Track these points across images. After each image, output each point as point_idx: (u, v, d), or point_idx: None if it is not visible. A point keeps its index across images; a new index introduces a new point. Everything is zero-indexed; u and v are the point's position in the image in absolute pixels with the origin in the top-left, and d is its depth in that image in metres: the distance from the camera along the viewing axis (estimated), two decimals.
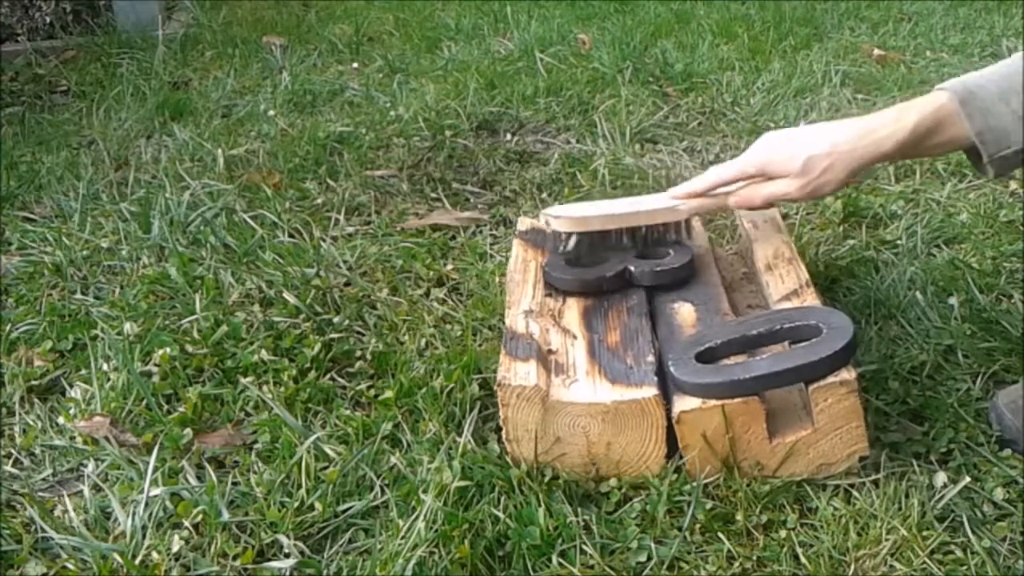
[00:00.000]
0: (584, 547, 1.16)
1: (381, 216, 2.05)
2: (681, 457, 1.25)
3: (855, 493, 1.22)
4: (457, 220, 2.02)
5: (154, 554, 1.18)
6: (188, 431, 1.39)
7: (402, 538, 1.17)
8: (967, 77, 1.27)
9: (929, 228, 1.87)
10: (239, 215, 2.01)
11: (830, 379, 1.21)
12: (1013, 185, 2.05)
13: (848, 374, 1.21)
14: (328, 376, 1.52)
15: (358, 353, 1.56)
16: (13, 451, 1.41)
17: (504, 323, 1.43)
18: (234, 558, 1.18)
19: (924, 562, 1.13)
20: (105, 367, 1.54)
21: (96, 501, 1.28)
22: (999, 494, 1.23)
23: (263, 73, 3.01)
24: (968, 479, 1.24)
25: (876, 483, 1.23)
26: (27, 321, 1.70)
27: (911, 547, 1.14)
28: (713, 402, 1.21)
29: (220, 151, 2.32)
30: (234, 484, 1.29)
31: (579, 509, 1.22)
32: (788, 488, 1.23)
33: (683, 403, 1.23)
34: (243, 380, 1.49)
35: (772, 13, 3.30)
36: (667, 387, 1.27)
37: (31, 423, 1.46)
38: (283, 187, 2.17)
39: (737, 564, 1.15)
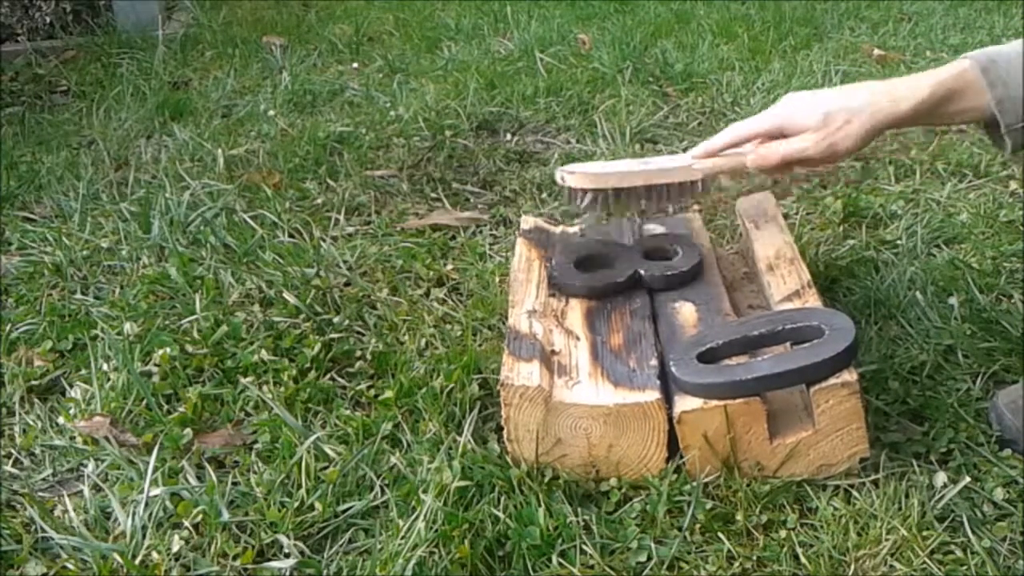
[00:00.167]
0: (584, 547, 1.16)
1: (381, 216, 2.05)
2: (681, 457, 1.25)
3: (855, 493, 1.22)
4: (457, 220, 2.02)
5: (154, 554, 1.18)
6: (188, 431, 1.39)
7: (402, 538, 1.17)
8: (990, 48, 1.26)
9: (929, 228, 1.87)
10: (239, 215, 2.01)
11: (832, 380, 1.21)
12: (1013, 185, 2.05)
13: (850, 376, 1.21)
14: (328, 376, 1.51)
15: (358, 353, 1.56)
16: (13, 451, 1.41)
17: (506, 323, 1.43)
18: (234, 558, 1.18)
19: (924, 562, 1.13)
20: (105, 367, 1.54)
21: (96, 501, 1.28)
22: (999, 494, 1.23)
23: (263, 73, 3.01)
24: (968, 479, 1.24)
25: (876, 483, 1.23)
26: (27, 321, 1.69)
27: (911, 547, 1.14)
28: (715, 402, 1.21)
29: (220, 151, 2.32)
30: (234, 484, 1.29)
31: (579, 509, 1.22)
32: (788, 488, 1.23)
33: (684, 403, 1.23)
34: (243, 380, 1.49)
35: (772, 13, 3.30)
36: (669, 390, 1.27)
37: (31, 423, 1.46)
38: (283, 187, 2.17)
39: (737, 564, 1.15)
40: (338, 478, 1.27)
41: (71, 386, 1.54)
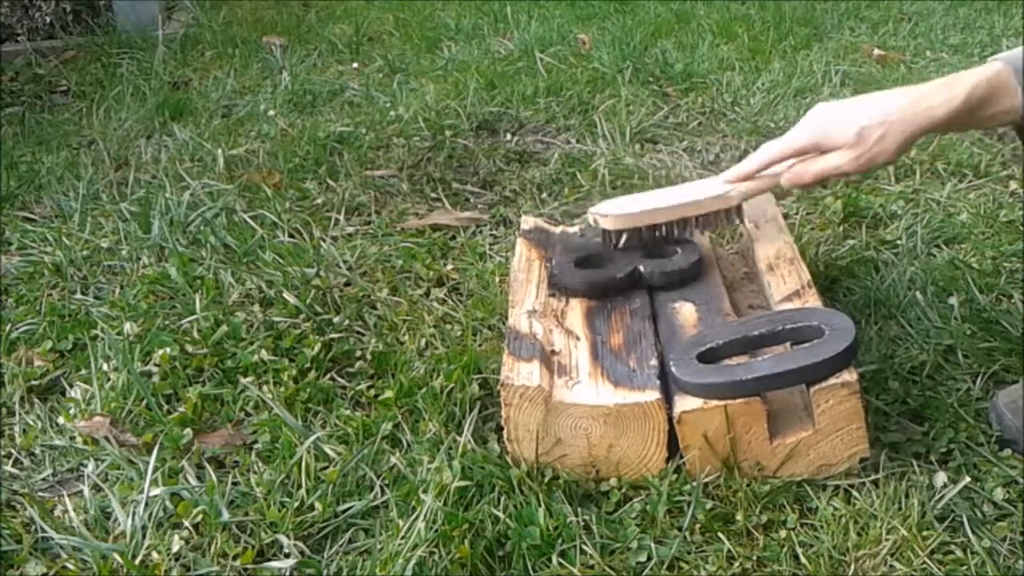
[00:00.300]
0: (584, 547, 1.16)
1: (381, 216, 2.05)
2: (681, 457, 1.25)
3: (855, 493, 1.22)
4: (457, 220, 2.02)
5: (154, 554, 1.18)
6: (188, 431, 1.39)
7: (402, 538, 1.16)
8: (1017, 50, 1.25)
9: (929, 228, 1.87)
10: (239, 215, 2.01)
11: (832, 381, 1.21)
12: (1013, 185, 2.05)
13: (850, 376, 1.21)
14: (328, 376, 1.51)
15: (358, 353, 1.56)
16: (13, 451, 1.41)
17: (506, 323, 1.43)
18: (234, 558, 1.18)
19: (924, 562, 1.13)
20: (105, 367, 1.54)
21: (96, 501, 1.28)
22: (999, 494, 1.23)
23: (263, 73, 3.01)
24: (968, 479, 1.24)
25: (876, 483, 1.23)
26: (27, 321, 1.69)
27: (911, 547, 1.14)
28: (715, 402, 1.21)
29: (220, 151, 2.32)
30: (234, 484, 1.29)
31: (579, 509, 1.22)
32: (788, 488, 1.23)
33: (684, 403, 1.23)
34: (243, 380, 1.49)
35: (772, 13, 3.30)
36: (669, 390, 1.27)
37: (31, 423, 1.46)
38: (283, 187, 2.17)
39: (737, 564, 1.15)
40: (338, 478, 1.27)
41: (71, 386, 1.54)
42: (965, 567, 1.13)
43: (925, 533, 1.16)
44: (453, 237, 1.96)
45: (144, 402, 1.46)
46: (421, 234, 1.95)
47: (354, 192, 2.14)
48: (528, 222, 1.68)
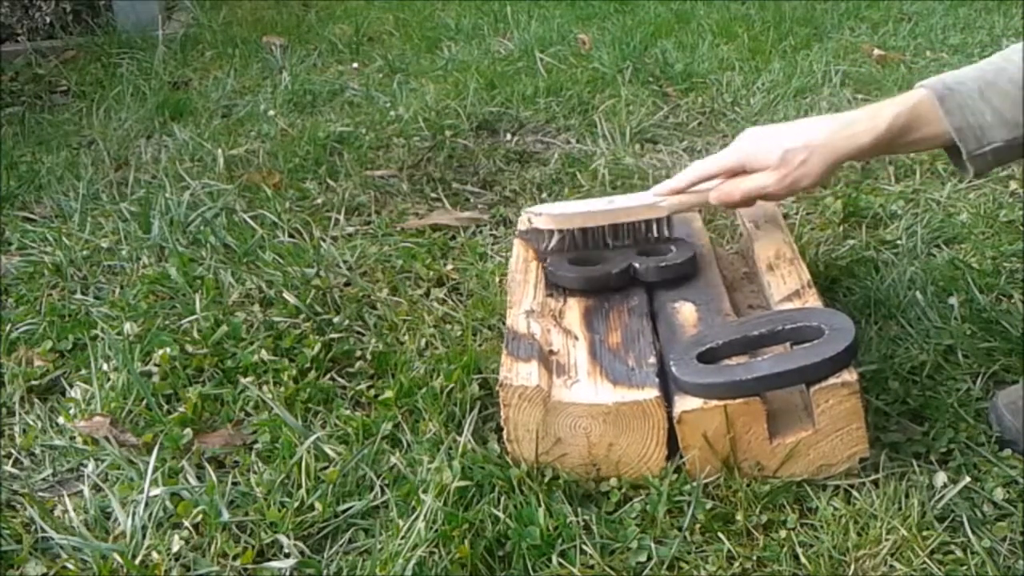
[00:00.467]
0: (584, 547, 1.16)
1: (381, 216, 2.05)
2: (681, 457, 1.25)
3: (855, 493, 1.22)
4: (457, 220, 2.02)
5: (154, 554, 1.18)
6: (188, 431, 1.39)
7: (402, 538, 1.16)
8: (947, 75, 1.27)
9: (929, 228, 1.87)
10: (239, 215, 2.01)
11: (832, 380, 1.21)
12: (1013, 185, 2.05)
13: (850, 376, 1.21)
14: (328, 376, 1.51)
15: (358, 353, 1.56)
16: (13, 451, 1.41)
17: (505, 323, 1.43)
18: (234, 558, 1.18)
19: (924, 562, 1.13)
20: (105, 367, 1.54)
21: (96, 501, 1.28)
22: (999, 494, 1.23)
23: (263, 73, 3.01)
24: (968, 479, 1.24)
25: (876, 483, 1.23)
26: (27, 321, 1.69)
27: (911, 547, 1.14)
28: (714, 402, 1.21)
29: (220, 151, 2.32)
30: (234, 484, 1.29)
31: (579, 509, 1.22)
32: (788, 488, 1.23)
33: (684, 403, 1.23)
34: (243, 380, 1.49)
35: (772, 13, 3.30)
36: (668, 388, 1.27)
37: (31, 423, 1.46)
38: (283, 187, 2.17)
39: (737, 564, 1.15)
40: (338, 478, 1.27)
41: (71, 386, 1.54)
42: (965, 567, 1.13)
43: (925, 533, 1.16)
44: (453, 237, 1.96)
45: (144, 402, 1.46)
46: (421, 234, 1.95)
47: (354, 192, 2.14)
48: (525, 222, 1.68)
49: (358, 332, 1.63)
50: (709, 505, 1.21)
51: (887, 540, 1.15)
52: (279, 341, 1.57)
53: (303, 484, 1.26)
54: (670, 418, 1.23)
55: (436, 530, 1.16)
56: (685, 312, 1.42)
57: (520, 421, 1.25)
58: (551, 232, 1.53)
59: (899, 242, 1.84)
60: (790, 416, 1.26)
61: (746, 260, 1.62)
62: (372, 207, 2.09)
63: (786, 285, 1.43)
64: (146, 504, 1.24)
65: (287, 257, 1.84)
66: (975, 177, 1.30)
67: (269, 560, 1.18)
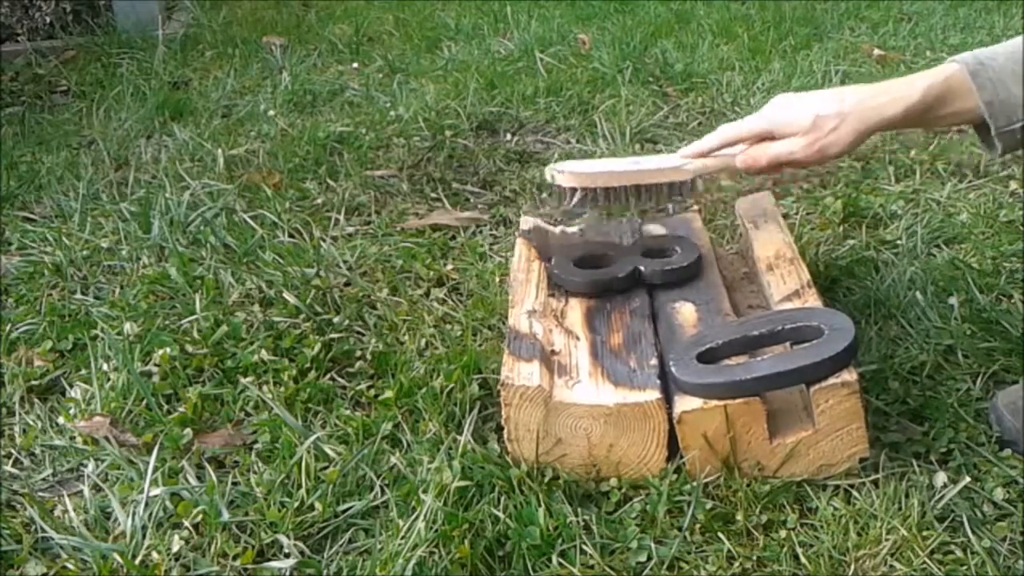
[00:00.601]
0: (584, 547, 1.16)
1: (381, 216, 2.05)
2: (681, 457, 1.25)
3: (855, 493, 1.22)
4: (457, 220, 2.02)
5: (154, 554, 1.18)
6: (188, 431, 1.39)
7: (402, 538, 1.17)
8: (980, 50, 1.26)
9: (929, 228, 1.87)
10: (239, 215, 2.01)
11: (831, 380, 1.21)
12: (1013, 185, 2.05)
13: (849, 375, 1.21)
14: (328, 376, 1.51)
15: (358, 353, 1.56)
16: (13, 451, 1.41)
17: (506, 323, 1.43)
18: (234, 558, 1.18)
19: (924, 562, 1.13)
20: (105, 367, 1.54)
21: (96, 501, 1.28)
22: (999, 494, 1.23)
23: (263, 73, 3.01)
24: (968, 479, 1.24)
25: (876, 483, 1.23)
26: (27, 321, 1.69)
27: (911, 547, 1.14)
28: (714, 402, 1.21)
29: (220, 151, 2.32)
30: (234, 484, 1.29)
31: (579, 509, 1.22)
32: (788, 488, 1.23)
33: (684, 403, 1.23)
34: (243, 380, 1.49)
35: (772, 13, 3.30)
36: (669, 390, 1.27)
37: (31, 423, 1.46)
38: (283, 187, 2.17)
39: (737, 564, 1.15)
40: (338, 478, 1.27)
41: (71, 386, 1.54)
42: (965, 567, 1.13)
43: (925, 533, 1.16)
44: (453, 237, 1.96)
45: (144, 402, 1.46)
46: (421, 234, 1.95)
47: (354, 192, 2.14)
48: (527, 222, 1.68)
49: (358, 332, 1.63)
50: (709, 505, 1.21)
51: (887, 540, 1.15)
52: (279, 341, 1.57)
53: (303, 484, 1.26)
54: (671, 420, 1.23)
55: (436, 530, 1.16)
56: (685, 312, 1.42)
57: (521, 421, 1.25)
58: (573, 190, 1.47)
59: (899, 242, 1.84)
60: (790, 416, 1.26)
61: (746, 260, 1.62)
62: (372, 207, 2.09)
63: (786, 285, 1.43)
64: (146, 504, 1.24)
65: (287, 257, 1.84)
66: (1001, 155, 1.29)
67: (269, 560, 1.18)
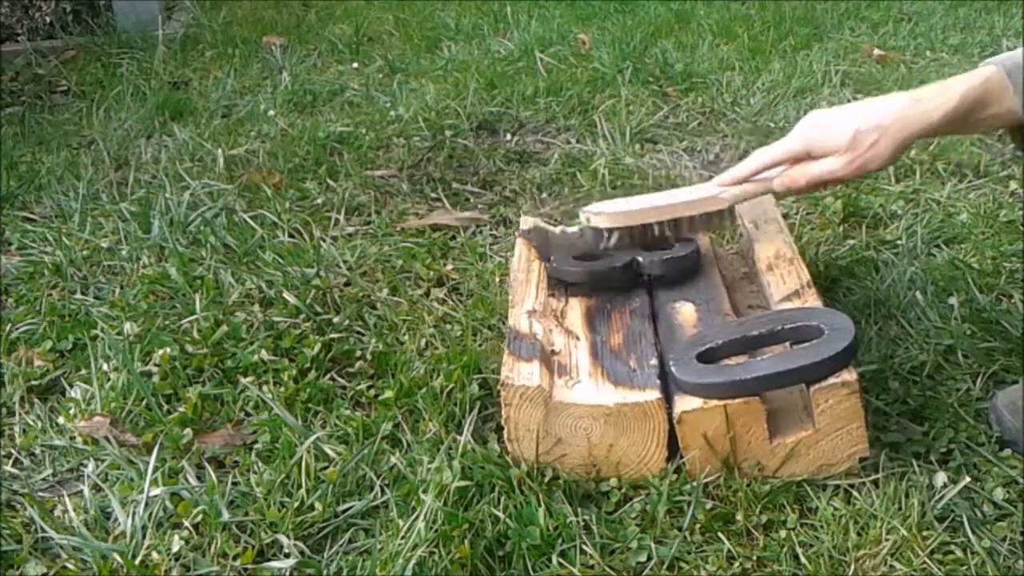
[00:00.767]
0: (584, 547, 1.16)
1: (381, 216, 2.05)
2: (681, 457, 1.25)
3: (855, 493, 1.22)
4: (457, 220, 2.02)
5: (154, 554, 1.18)
6: (188, 431, 1.39)
7: (402, 538, 1.17)
8: (1015, 52, 1.25)
9: (929, 228, 1.87)
10: (239, 215, 2.01)
11: (831, 380, 1.21)
12: (1013, 185, 2.05)
13: (849, 375, 1.21)
14: (328, 376, 1.51)
15: (358, 353, 1.56)
16: (13, 451, 1.41)
17: (506, 323, 1.43)
18: (234, 558, 1.18)
19: (924, 562, 1.13)
20: (105, 367, 1.54)
21: (96, 501, 1.28)
22: (999, 494, 1.23)
23: (263, 73, 3.01)
24: (968, 479, 1.24)
25: (876, 483, 1.23)
26: (27, 321, 1.69)
27: (911, 547, 1.14)
28: (714, 402, 1.21)
29: (220, 151, 2.32)
30: (234, 484, 1.29)
31: (579, 509, 1.22)
32: (788, 488, 1.23)
33: (684, 403, 1.23)
34: (243, 380, 1.49)
35: (772, 13, 3.30)
36: (669, 390, 1.27)
37: (31, 423, 1.46)
38: (283, 187, 2.17)
39: (737, 564, 1.15)
40: (338, 478, 1.27)
41: (71, 386, 1.54)
42: (965, 567, 1.13)
43: (925, 533, 1.16)
44: (453, 237, 1.96)
45: (144, 402, 1.46)
46: (421, 234, 1.95)
47: (354, 192, 2.14)
48: (527, 222, 1.68)
49: (358, 332, 1.63)
50: (709, 505, 1.21)
51: (887, 540, 1.15)
52: (279, 341, 1.57)
53: (303, 484, 1.27)
54: (671, 419, 1.23)
55: (436, 530, 1.16)
56: (685, 312, 1.42)
57: (521, 421, 1.25)
58: (610, 231, 1.47)
59: (899, 242, 1.84)
60: (790, 416, 1.26)
61: (746, 260, 1.62)
62: (372, 207, 2.09)
63: (786, 285, 1.43)
64: (146, 504, 1.24)
65: (287, 257, 1.84)
66: None
67: (269, 560, 1.18)
